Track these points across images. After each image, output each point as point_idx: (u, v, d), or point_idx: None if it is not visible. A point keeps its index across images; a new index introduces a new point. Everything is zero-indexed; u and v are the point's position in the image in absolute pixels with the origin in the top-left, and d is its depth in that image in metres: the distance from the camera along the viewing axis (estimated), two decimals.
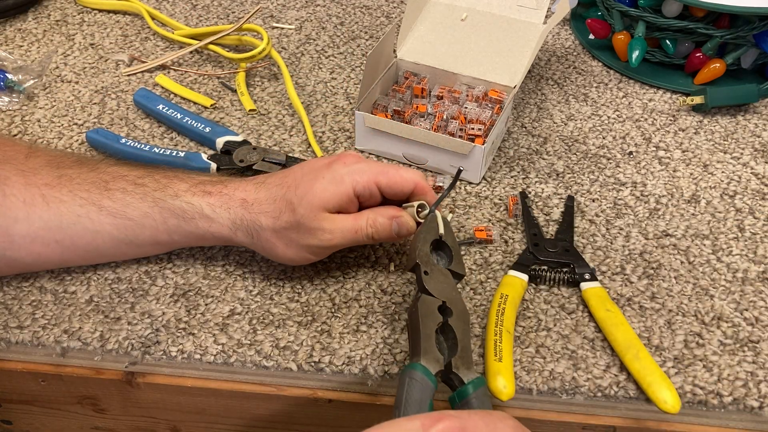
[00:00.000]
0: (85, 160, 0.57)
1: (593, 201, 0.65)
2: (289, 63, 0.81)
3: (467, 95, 0.71)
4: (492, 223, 0.63)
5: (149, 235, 0.54)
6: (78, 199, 0.53)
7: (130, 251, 0.56)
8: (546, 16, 0.75)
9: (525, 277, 0.56)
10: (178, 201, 0.53)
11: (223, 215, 0.53)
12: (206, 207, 0.53)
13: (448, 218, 0.62)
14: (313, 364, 0.52)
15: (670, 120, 0.74)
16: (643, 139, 0.72)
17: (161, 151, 0.66)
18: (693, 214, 0.64)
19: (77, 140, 0.70)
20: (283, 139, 0.71)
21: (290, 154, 0.67)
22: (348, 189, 0.51)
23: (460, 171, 0.56)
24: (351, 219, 0.52)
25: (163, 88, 0.77)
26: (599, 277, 0.58)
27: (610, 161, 0.69)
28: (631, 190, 0.66)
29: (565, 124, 0.73)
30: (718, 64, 0.75)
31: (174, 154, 0.66)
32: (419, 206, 0.53)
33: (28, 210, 0.52)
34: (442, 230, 0.51)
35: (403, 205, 0.54)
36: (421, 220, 0.52)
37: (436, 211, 0.52)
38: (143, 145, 0.67)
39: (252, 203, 0.53)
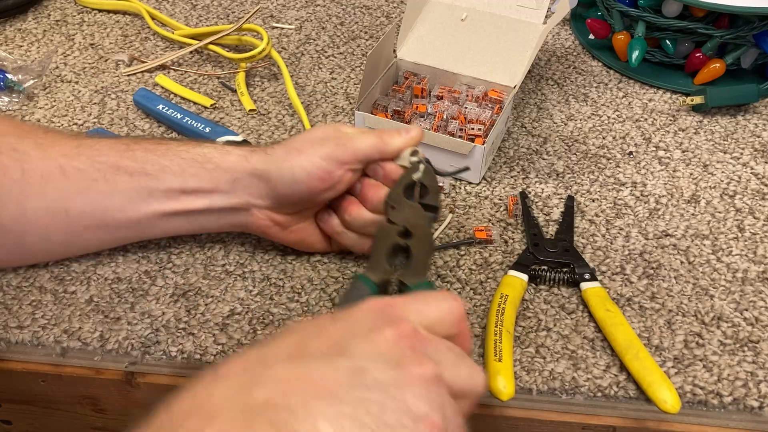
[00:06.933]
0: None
1: (593, 201, 0.65)
2: (289, 63, 0.81)
3: (467, 95, 0.71)
4: (492, 223, 0.63)
5: (164, 189, 0.53)
6: (96, 164, 0.53)
7: (136, 214, 0.55)
8: (546, 16, 0.75)
9: (525, 277, 0.56)
10: (199, 148, 0.54)
11: (243, 148, 0.54)
12: (228, 146, 0.54)
13: (448, 218, 0.62)
14: None
15: (670, 120, 0.74)
16: (643, 139, 0.72)
17: None
18: (693, 214, 0.64)
19: None
20: (283, 139, 0.71)
21: None
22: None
23: (466, 169, 0.60)
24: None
25: (163, 88, 0.77)
26: (599, 277, 0.58)
27: (610, 161, 0.69)
28: (631, 190, 0.66)
29: (565, 124, 0.73)
30: (718, 64, 0.75)
31: None
32: (412, 152, 0.53)
33: (44, 183, 0.52)
34: (420, 174, 0.52)
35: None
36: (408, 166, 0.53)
37: (421, 159, 0.53)
38: None
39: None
